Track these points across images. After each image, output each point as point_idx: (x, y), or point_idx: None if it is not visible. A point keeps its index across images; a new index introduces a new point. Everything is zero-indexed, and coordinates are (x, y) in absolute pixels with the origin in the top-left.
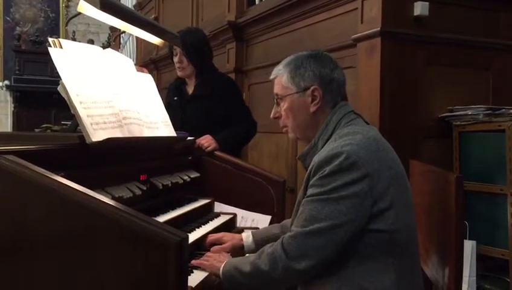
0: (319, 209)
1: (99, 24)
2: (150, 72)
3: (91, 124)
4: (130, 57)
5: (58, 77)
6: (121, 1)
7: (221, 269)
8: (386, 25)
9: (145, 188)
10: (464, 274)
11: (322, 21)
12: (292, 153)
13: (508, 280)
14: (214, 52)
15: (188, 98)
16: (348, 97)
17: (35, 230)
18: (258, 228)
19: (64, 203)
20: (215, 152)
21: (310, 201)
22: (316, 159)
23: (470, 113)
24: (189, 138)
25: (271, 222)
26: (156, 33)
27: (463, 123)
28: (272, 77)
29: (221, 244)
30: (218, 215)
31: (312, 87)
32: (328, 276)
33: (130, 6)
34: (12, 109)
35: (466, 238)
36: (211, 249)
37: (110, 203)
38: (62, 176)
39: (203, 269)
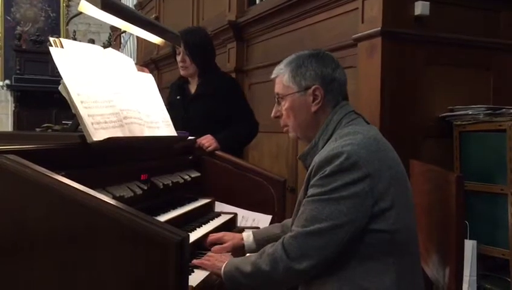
0: (320, 210)
1: (100, 24)
2: (151, 72)
3: (92, 123)
4: (131, 57)
5: (59, 76)
6: (122, 1)
7: (222, 269)
8: (387, 24)
9: (145, 188)
10: (464, 274)
11: (323, 21)
12: (293, 153)
13: (509, 279)
14: None
15: (191, 97)
16: (348, 97)
17: (36, 229)
18: (258, 228)
19: (65, 202)
20: (216, 152)
21: (310, 201)
22: (317, 159)
23: (470, 113)
24: (190, 137)
25: (272, 222)
26: (156, 33)
27: (463, 123)
28: (273, 76)
29: (221, 243)
30: (218, 214)
31: (313, 87)
32: (328, 276)
33: (130, 6)
34: (13, 108)
35: (466, 238)
36: (212, 248)
37: (111, 202)
38: (63, 176)
39: (204, 269)
